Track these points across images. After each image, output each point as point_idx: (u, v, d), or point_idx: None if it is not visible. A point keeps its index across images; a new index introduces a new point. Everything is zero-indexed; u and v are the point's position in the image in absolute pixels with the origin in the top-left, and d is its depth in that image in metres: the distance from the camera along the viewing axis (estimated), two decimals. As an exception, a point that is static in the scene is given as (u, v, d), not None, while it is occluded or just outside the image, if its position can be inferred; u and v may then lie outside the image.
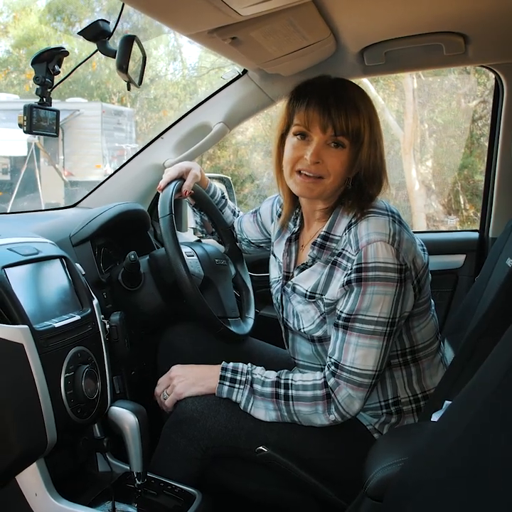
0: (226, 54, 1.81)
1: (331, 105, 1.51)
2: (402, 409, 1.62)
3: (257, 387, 1.56)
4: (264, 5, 1.40)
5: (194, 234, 2.37)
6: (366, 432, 1.63)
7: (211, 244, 2.06)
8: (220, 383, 1.59)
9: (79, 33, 1.44)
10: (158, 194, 2.37)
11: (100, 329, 1.59)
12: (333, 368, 1.52)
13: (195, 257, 1.86)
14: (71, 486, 1.50)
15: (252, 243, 2.02)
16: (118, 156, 11.01)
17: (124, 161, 2.39)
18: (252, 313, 1.98)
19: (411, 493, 1.07)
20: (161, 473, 1.58)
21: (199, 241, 2.12)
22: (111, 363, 1.60)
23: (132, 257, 1.74)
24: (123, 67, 1.42)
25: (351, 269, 1.49)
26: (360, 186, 1.58)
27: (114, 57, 1.48)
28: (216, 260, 1.91)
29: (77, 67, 1.56)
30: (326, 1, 1.58)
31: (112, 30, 1.45)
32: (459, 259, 2.41)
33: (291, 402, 1.53)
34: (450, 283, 2.39)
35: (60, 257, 1.58)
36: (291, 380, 1.56)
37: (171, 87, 12.68)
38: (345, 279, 1.51)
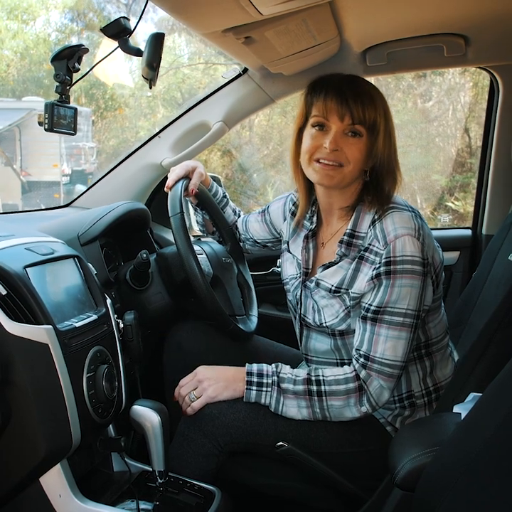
0: (234, 53, 1.81)
1: (348, 95, 1.55)
2: (415, 402, 1.65)
3: (289, 386, 1.57)
4: (286, 4, 1.42)
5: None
6: (379, 425, 1.67)
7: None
8: (247, 389, 1.59)
9: (101, 30, 1.42)
10: (154, 193, 2.38)
11: (115, 329, 1.58)
12: (362, 360, 1.55)
13: (204, 256, 1.86)
14: (90, 487, 1.49)
15: (258, 243, 2.02)
16: (75, 155, 10.83)
17: (118, 160, 2.37)
18: (255, 311, 1.99)
19: (449, 482, 1.09)
20: (177, 471, 1.58)
21: (199, 240, 2.12)
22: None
23: (144, 255, 1.74)
24: (153, 65, 1.41)
25: (380, 262, 1.52)
26: (377, 181, 1.61)
27: (135, 55, 1.47)
28: (223, 258, 1.92)
29: (95, 65, 1.54)
30: (339, 2, 1.61)
31: (132, 28, 1.45)
32: (453, 255, 2.48)
33: (324, 398, 1.55)
34: (445, 279, 2.45)
35: (74, 257, 1.57)
36: (322, 376, 1.57)
37: (128, 86, 12.54)
38: (374, 272, 1.53)
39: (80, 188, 9.45)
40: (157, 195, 2.39)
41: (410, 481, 1.23)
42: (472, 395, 1.38)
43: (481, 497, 0.99)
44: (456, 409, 1.38)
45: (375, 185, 1.61)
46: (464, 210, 7.44)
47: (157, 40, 1.41)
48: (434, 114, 9.93)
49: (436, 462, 1.19)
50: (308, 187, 1.72)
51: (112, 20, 1.42)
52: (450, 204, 8.10)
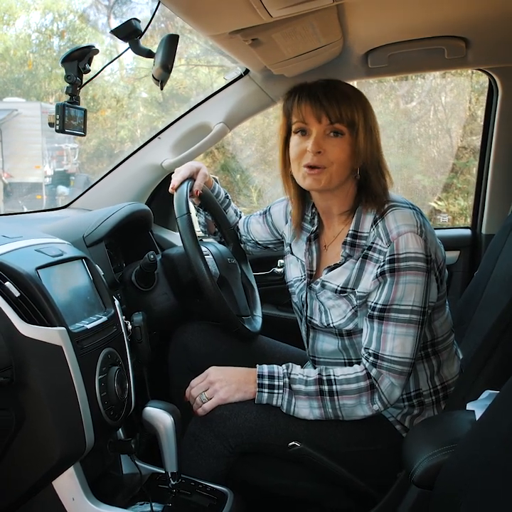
0: (239, 54, 1.82)
1: (321, 96, 1.57)
2: (423, 401, 1.67)
3: (300, 387, 1.57)
4: (296, 7, 1.43)
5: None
6: (388, 423, 1.67)
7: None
8: (259, 391, 1.59)
9: (111, 32, 1.42)
10: (153, 194, 2.37)
11: (123, 330, 1.58)
12: (372, 358, 1.56)
13: (211, 256, 1.86)
14: (100, 490, 1.48)
15: (259, 244, 2.03)
16: (57, 156, 10.77)
17: (117, 162, 2.36)
18: (259, 312, 2.00)
19: (468, 479, 1.10)
20: (187, 472, 1.58)
21: (201, 240, 2.12)
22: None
23: (151, 257, 1.73)
24: (168, 67, 1.40)
25: (384, 260, 1.53)
26: (367, 179, 1.61)
27: (146, 57, 1.47)
28: (228, 259, 1.92)
29: (105, 66, 1.54)
30: (345, 5, 1.62)
31: (143, 30, 1.44)
32: (453, 255, 2.50)
33: (336, 397, 1.56)
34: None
35: (82, 258, 1.57)
36: (333, 375, 1.58)
37: (109, 87, 12.52)
38: (379, 270, 1.54)
39: (62, 189, 9.40)
40: (157, 196, 2.38)
41: (428, 479, 1.23)
42: (487, 392, 1.39)
43: (502, 494, 1.00)
44: (469, 406, 1.39)
45: (368, 184, 1.62)
46: (446, 210, 7.49)
47: (171, 42, 1.41)
48: (416, 115, 9.99)
49: (454, 459, 1.20)
50: (301, 194, 1.73)
51: (123, 22, 1.42)
52: (433, 204, 8.16)
